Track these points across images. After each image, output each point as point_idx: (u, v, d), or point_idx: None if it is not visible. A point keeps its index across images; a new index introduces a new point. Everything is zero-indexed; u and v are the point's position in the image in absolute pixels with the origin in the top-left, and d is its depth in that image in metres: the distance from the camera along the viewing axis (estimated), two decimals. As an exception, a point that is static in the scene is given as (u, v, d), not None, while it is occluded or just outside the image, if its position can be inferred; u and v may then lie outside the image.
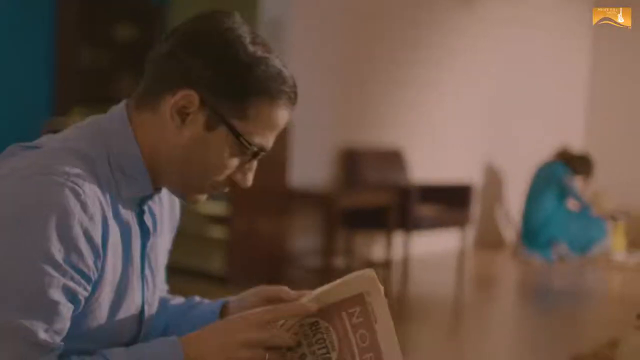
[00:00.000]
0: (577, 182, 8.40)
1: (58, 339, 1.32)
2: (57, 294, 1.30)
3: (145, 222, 1.51)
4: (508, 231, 9.23)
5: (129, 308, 1.49)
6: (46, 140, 1.45)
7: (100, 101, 7.51)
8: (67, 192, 1.30)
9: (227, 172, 1.47)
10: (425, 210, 6.98)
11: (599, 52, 10.22)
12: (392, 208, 6.65)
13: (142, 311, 1.53)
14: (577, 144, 9.73)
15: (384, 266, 6.68)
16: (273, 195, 6.42)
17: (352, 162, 7.18)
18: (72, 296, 1.32)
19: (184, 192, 1.51)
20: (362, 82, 7.44)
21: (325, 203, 6.52)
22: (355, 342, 1.34)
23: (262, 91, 1.43)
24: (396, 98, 7.76)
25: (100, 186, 1.39)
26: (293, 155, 6.66)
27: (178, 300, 1.78)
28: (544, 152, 8.79)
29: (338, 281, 1.39)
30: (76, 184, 1.32)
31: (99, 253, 1.35)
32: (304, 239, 6.83)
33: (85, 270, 1.33)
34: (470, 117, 8.64)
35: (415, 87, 7.95)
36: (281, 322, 1.39)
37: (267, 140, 1.48)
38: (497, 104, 8.96)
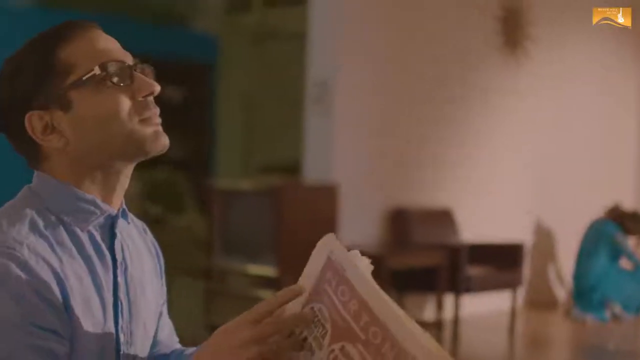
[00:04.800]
0: (629, 241, 8.29)
1: None
2: (30, 355, 1.28)
3: (115, 248, 1.48)
4: (560, 291, 9.11)
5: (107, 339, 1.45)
6: None
7: (149, 161, 7.59)
8: (6, 261, 1.30)
9: (123, 104, 1.42)
10: (476, 271, 6.92)
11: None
12: (442, 268, 6.60)
13: (117, 339, 1.47)
14: (628, 202, 9.61)
15: (435, 327, 6.62)
16: (322, 256, 6.40)
17: (401, 222, 7.16)
18: (47, 354, 1.30)
19: (134, 146, 1.45)
20: (410, 141, 7.45)
21: (375, 263, 6.45)
22: (339, 301, 1.32)
23: (53, 45, 1.42)
24: (445, 157, 7.75)
25: (48, 241, 1.37)
26: (342, 214, 6.67)
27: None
28: (595, 210, 8.69)
29: (308, 262, 1.39)
30: (13, 248, 1.31)
31: (61, 310, 1.33)
32: (353, 299, 6.78)
33: (50, 326, 1.31)
34: (519, 176, 8.59)
35: (463, 146, 7.94)
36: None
37: (108, 56, 1.42)
38: (546, 162, 8.91)
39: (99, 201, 1.46)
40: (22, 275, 1.30)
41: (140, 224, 1.68)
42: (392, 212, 7.23)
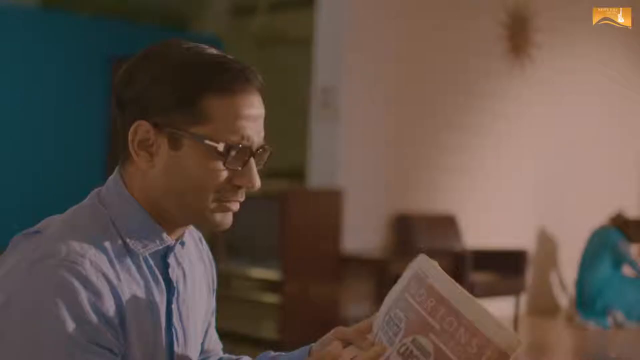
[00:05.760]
0: (632, 248, 8.29)
1: None
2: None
3: (169, 276, 1.48)
4: (562, 298, 9.11)
5: None
6: (47, 223, 1.44)
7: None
8: (66, 274, 1.30)
9: (219, 181, 1.39)
10: (480, 277, 6.93)
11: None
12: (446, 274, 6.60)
13: None
14: (631, 209, 9.61)
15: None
16: (325, 260, 6.42)
17: (405, 227, 7.17)
18: None
19: (198, 221, 1.46)
20: (414, 147, 7.46)
21: (378, 268, 6.51)
22: (416, 301, 1.34)
23: (207, 87, 1.37)
24: (449, 163, 7.76)
25: (108, 256, 1.37)
26: (346, 220, 6.68)
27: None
28: (598, 217, 8.70)
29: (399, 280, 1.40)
30: (75, 262, 1.32)
31: (116, 328, 1.35)
32: (357, 304, 6.80)
33: (107, 344, 1.33)
34: (523, 182, 8.60)
35: (468, 152, 7.95)
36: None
37: (244, 132, 1.39)
38: (550, 169, 8.91)
39: (163, 233, 1.46)
40: (83, 291, 1.31)
41: (197, 234, 1.67)
42: (396, 217, 7.24)
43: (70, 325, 1.28)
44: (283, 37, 9.76)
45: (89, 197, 1.48)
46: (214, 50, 1.44)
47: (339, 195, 6.62)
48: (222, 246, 6.91)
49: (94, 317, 1.31)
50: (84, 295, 1.30)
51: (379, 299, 6.56)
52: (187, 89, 1.37)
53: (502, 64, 8.29)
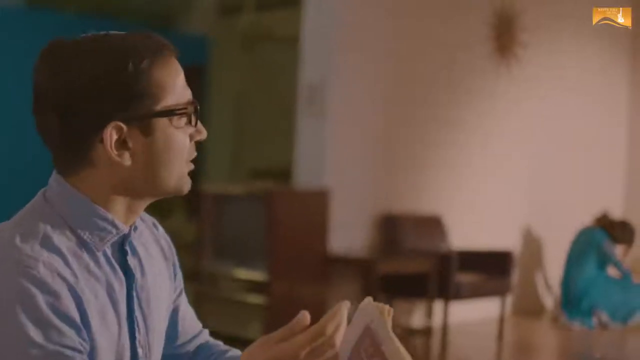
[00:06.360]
0: (617, 249, 8.31)
1: None
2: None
3: (128, 264, 1.49)
4: (548, 298, 9.13)
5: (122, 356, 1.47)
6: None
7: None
8: (21, 279, 1.30)
9: (188, 142, 1.47)
10: (465, 278, 6.93)
11: (638, 116, 10.18)
12: (432, 275, 6.61)
13: (134, 354, 1.50)
14: (616, 210, 9.64)
15: (424, 334, 6.62)
16: (312, 260, 6.41)
17: (391, 228, 7.17)
18: None
19: (174, 190, 1.50)
20: (400, 147, 7.46)
21: (364, 269, 6.50)
22: None
23: (148, 66, 1.41)
24: (435, 164, 7.76)
25: (62, 255, 1.37)
26: (332, 220, 6.67)
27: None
28: (584, 217, 8.72)
29: (347, 328, 1.42)
30: (29, 266, 1.31)
31: (79, 326, 1.35)
32: (342, 305, 6.78)
33: (72, 344, 1.32)
34: (509, 183, 8.60)
35: (454, 152, 7.95)
36: None
37: (187, 92, 1.47)
38: (535, 170, 8.93)
39: (117, 221, 1.46)
40: (40, 295, 1.30)
41: (149, 220, 1.68)
42: (383, 218, 7.23)
43: (32, 331, 1.28)
44: (270, 36, 9.74)
45: (34, 200, 1.48)
46: (117, 32, 1.46)
47: (325, 195, 6.61)
48: (208, 246, 6.89)
49: (54, 319, 1.31)
50: (41, 299, 1.30)
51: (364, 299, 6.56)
52: (134, 72, 1.40)
53: (488, 63, 8.29)
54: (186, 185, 1.50)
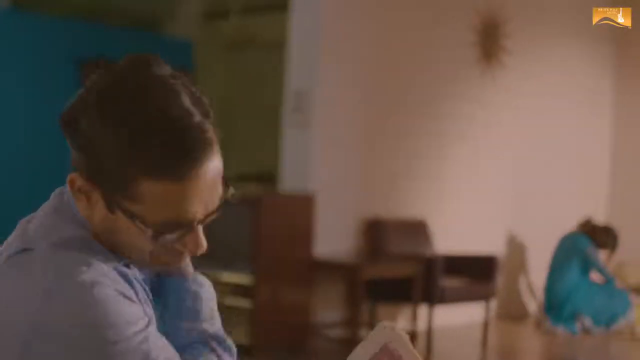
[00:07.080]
0: (600, 255, 8.35)
1: None
2: (154, 341, 1.23)
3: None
4: (531, 303, 9.16)
5: None
6: (29, 237, 1.29)
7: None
8: (96, 290, 1.19)
9: (149, 252, 1.28)
10: (450, 283, 6.96)
11: (622, 122, 10.23)
12: (417, 279, 6.63)
13: None
14: (600, 215, 9.68)
15: (409, 338, 6.63)
16: (297, 265, 6.42)
17: (376, 232, 7.19)
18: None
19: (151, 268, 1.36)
20: (386, 153, 7.48)
21: (349, 273, 6.51)
22: None
23: (149, 172, 1.21)
24: (420, 169, 7.79)
25: (107, 262, 1.26)
26: (317, 225, 6.68)
27: None
28: (567, 223, 8.75)
29: (360, 345, 1.41)
30: (97, 282, 1.21)
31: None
32: (328, 309, 6.80)
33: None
34: (493, 188, 8.64)
35: (439, 158, 7.98)
36: None
37: (188, 209, 1.24)
38: (520, 175, 8.96)
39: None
40: (118, 294, 1.22)
41: None
42: (368, 222, 7.25)
43: (124, 319, 1.20)
44: (255, 41, 9.74)
45: (55, 202, 1.34)
46: (186, 101, 1.30)
47: (311, 199, 6.62)
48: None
49: (127, 302, 1.23)
50: (120, 298, 1.22)
51: (349, 303, 6.57)
52: (126, 164, 1.21)
53: (473, 70, 8.33)
54: (158, 270, 1.37)
